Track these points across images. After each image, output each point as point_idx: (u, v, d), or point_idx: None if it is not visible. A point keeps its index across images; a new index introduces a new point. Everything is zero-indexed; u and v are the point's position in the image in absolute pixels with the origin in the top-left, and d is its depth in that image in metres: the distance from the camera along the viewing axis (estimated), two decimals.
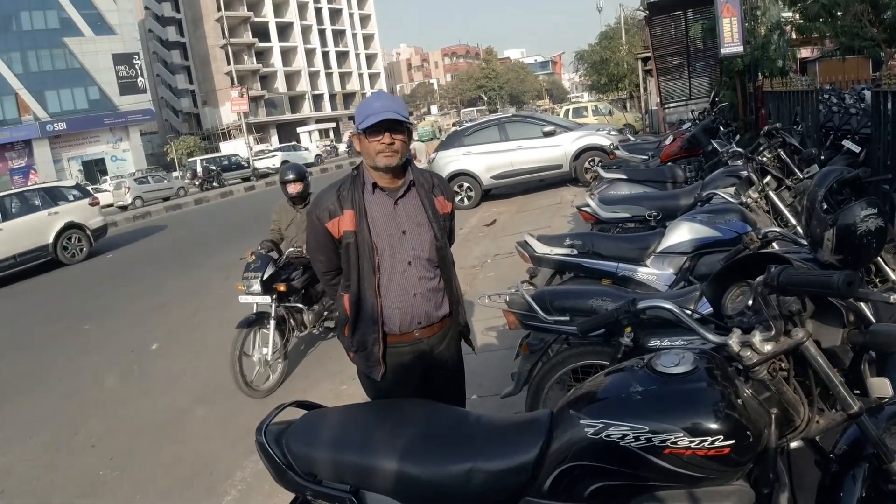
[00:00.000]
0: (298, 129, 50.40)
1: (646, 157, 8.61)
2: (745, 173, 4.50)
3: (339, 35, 67.72)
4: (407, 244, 2.24)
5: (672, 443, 1.39)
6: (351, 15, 69.64)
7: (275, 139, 52.35)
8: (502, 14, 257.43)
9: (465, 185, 12.57)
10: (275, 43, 59.14)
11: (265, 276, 4.73)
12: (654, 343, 2.61)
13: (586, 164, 12.42)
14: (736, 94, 10.79)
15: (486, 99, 72.64)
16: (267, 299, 4.78)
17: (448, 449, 1.68)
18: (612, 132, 13.03)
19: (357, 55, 69.82)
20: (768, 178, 3.95)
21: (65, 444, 4.53)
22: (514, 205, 12.17)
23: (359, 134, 2.22)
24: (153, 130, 54.75)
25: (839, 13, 9.87)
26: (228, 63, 52.36)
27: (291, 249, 5.05)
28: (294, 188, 5.23)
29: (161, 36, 59.41)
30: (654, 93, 19.62)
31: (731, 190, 4.13)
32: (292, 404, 2.01)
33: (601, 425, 1.45)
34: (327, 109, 63.27)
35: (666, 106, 15.89)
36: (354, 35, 69.77)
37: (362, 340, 2.28)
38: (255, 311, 4.83)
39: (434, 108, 73.03)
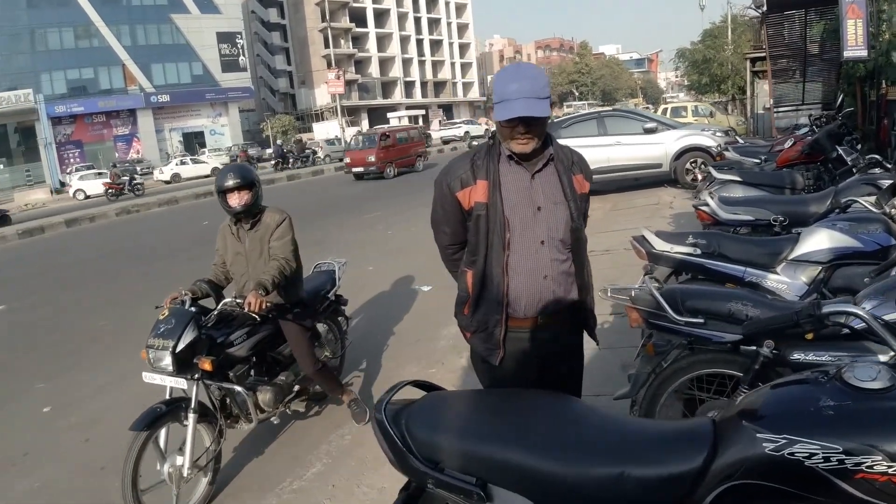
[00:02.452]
0: (389, 115, 51.08)
1: (758, 161, 8.20)
2: (885, 182, 4.20)
3: (433, 23, 68.16)
4: (541, 222, 2.12)
5: (867, 466, 1.26)
6: (447, 4, 69.90)
7: (365, 123, 53.43)
8: (599, 9, 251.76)
9: None
10: (371, 28, 60.25)
11: (179, 347, 3.12)
12: (797, 357, 2.45)
13: (687, 165, 11.96)
14: (856, 102, 10.11)
15: (577, 94, 71.24)
16: (182, 382, 3.20)
17: (594, 450, 1.56)
18: (718, 133, 12.46)
19: (451, 44, 70.09)
20: None
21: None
22: (607, 202, 11.87)
23: (492, 109, 2.12)
24: (251, 108, 57.12)
25: None
26: (326, 46, 53.88)
27: (228, 300, 3.41)
28: (238, 199, 3.48)
29: (263, 17, 61.66)
30: (762, 96, 18.64)
31: (872, 199, 3.87)
32: (410, 383, 1.96)
33: (784, 441, 1.32)
34: (418, 96, 63.98)
35: (776, 110, 15.05)
36: (449, 24, 70.03)
37: (484, 321, 2.19)
38: (168, 394, 3.23)
39: None
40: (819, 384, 1.44)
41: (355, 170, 22.58)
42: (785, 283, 3.46)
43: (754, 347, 2.44)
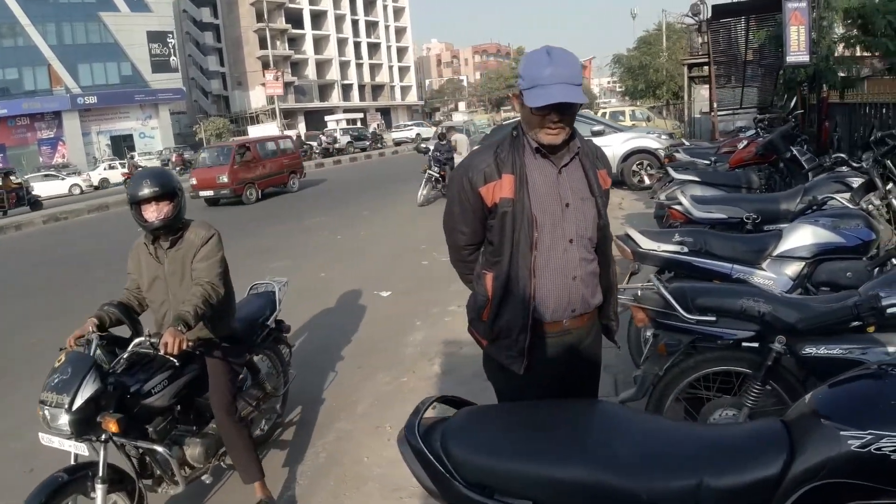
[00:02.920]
0: (326, 118, 50.34)
1: (708, 162, 8.39)
2: (854, 180, 4.30)
3: (371, 26, 67.68)
4: (570, 219, 1.99)
5: None
6: (385, 7, 69.58)
7: (302, 125, 52.40)
8: (534, 15, 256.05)
9: None
10: (308, 30, 59.23)
11: (76, 403, 2.47)
12: (808, 351, 2.46)
13: (634, 167, 12.18)
14: (794, 106, 10.53)
15: None
16: (83, 447, 2.56)
17: (667, 461, 1.45)
18: (662, 136, 12.76)
19: (388, 47, 69.77)
20: (890, 184, 3.72)
21: None
22: None
23: (521, 96, 1.91)
24: (182, 110, 55.05)
25: None
26: (261, 47, 52.49)
27: (141, 340, 2.73)
28: (155, 211, 2.90)
29: (195, 17, 59.61)
30: (698, 100, 19.29)
31: (846, 196, 3.95)
32: (437, 400, 1.77)
33: (870, 437, 1.28)
34: (356, 100, 63.28)
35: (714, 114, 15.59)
36: (387, 27, 69.73)
37: (507, 327, 2.01)
38: (73, 460, 2.60)
39: (462, 105, 72.80)
40: (888, 377, 1.44)
41: (203, 193, 16.68)
42: (771, 278, 3.47)
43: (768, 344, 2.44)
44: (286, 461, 3.55)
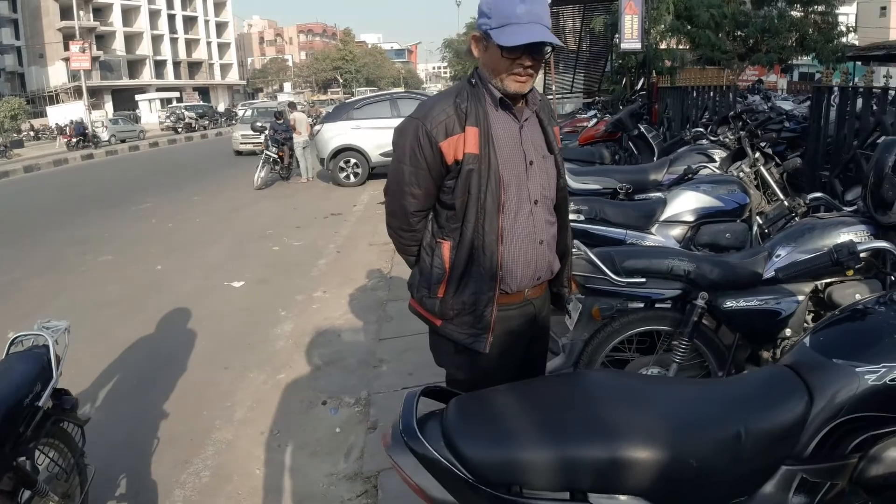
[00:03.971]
0: (137, 97, 45.61)
1: None
2: (715, 152, 4.59)
3: None
4: (534, 178, 1.79)
5: None
6: None
7: (109, 105, 46.88)
8: None
9: (353, 161, 12.05)
10: (116, 0, 52.87)
11: None
12: (729, 305, 2.56)
13: None
14: (626, 90, 11.32)
15: (341, 81, 71.01)
16: None
17: (701, 420, 1.36)
18: None
19: (206, 22, 64.47)
20: (757, 153, 3.99)
21: None
22: None
23: (485, 38, 1.70)
24: None
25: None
26: (62, 18, 45.95)
27: None
28: None
29: None
30: (541, 84, 20.18)
31: (715, 165, 4.21)
32: (422, 394, 1.48)
33: (883, 369, 1.33)
34: (170, 77, 57.81)
35: (549, 97, 16.37)
36: (205, 0, 64.56)
37: (471, 301, 1.77)
38: None
39: (287, 86, 69.96)
40: (880, 312, 1.51)
41: None
42: (660, 242, 3.59)
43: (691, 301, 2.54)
44: (162, 487, 2.92)
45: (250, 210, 10.30)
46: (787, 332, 2.57)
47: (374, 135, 11.88)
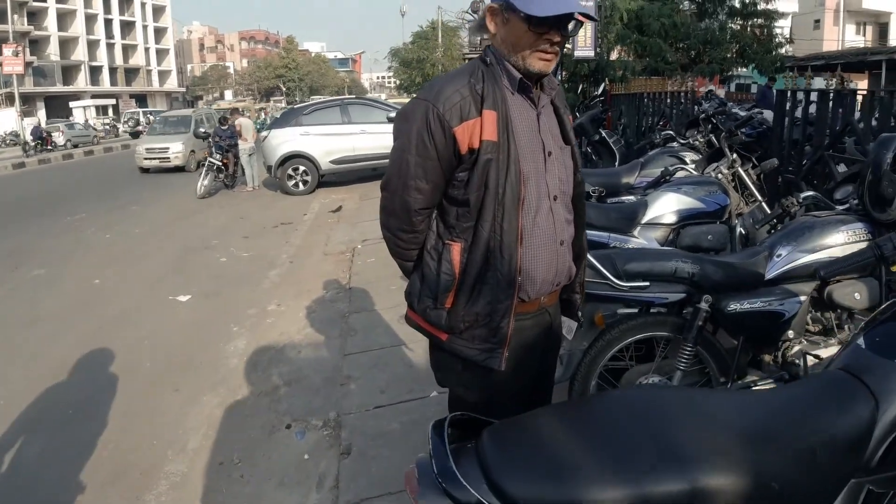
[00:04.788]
0: (72, 104, 43.42)
1: None
2: (686, 154, 4.53)
3: (125, 2, 59.82)
4: (553, 172, 1.59)
5: None
6: None
7: (42, 113, 44.46)
8: (305, 5, 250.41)
9: (301, 168, 11.62)
10: (51, 3, 50.21)
11: None
12: (733, 307, 2.44)
13: None
14: (579, 97, 11.36)
15: (284, 89, 69.87)
16: None
17: (775, 438, 1.21)
18: None
19: (145, 27, 62.11)
20: (734, 155, 3.93)
21: None
22: (354, 192, 11.55)
23: (505, 9, 1.49)
24: None
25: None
26: None
27: None
28: None
29: None
30: None
31: (691, 167, 4.15)
32: (447, 423, 1.22)
33: None
34: (106, 84, 55.26)
35: None
36: (143, 5, 61.92)
37: (486, 312, 1.54)
38: None
39: (228, 94, 68.26)
40: None
41: None
42: (643, 245, 3.46)
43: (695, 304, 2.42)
44: None
45: (194, 220, 9.79)
46: (790, 333, 2.49)
47: (324, 141, 11.56)
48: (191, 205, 11.15)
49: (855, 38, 31.10)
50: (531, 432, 1.19)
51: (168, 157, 15.94)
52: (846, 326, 2.53)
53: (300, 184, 11.63)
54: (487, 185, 1.49)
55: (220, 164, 12.35)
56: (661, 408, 1.25)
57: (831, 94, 4.68)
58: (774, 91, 14.23)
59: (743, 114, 6.09)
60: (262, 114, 36.68)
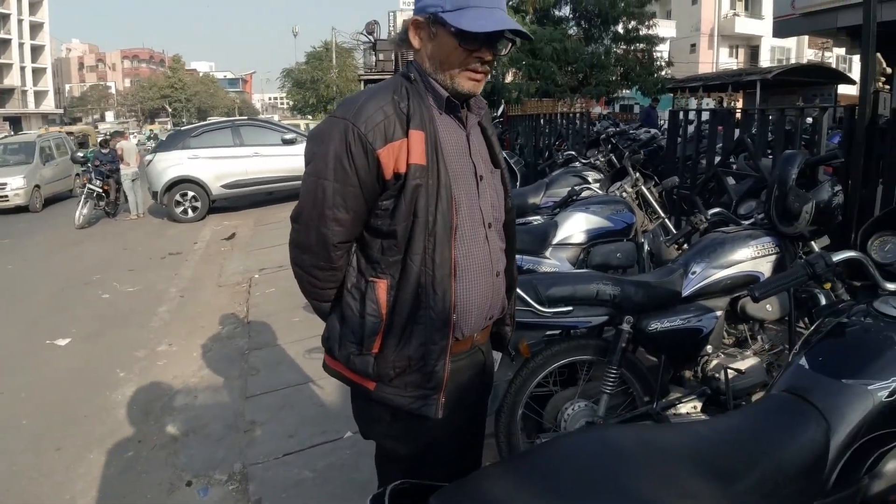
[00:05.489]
0: None
1: None
2: (588, 174, 4.61)
3: (0, 19, 54.99)
4: (486, 197, 1.46)
5: None
6: None
7: None
8: (192, 23, 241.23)
9: (190, 193, 10.96)
10: None
11: None
12: (654, 326, 2.43)
13: None
14: (503, 112, 11.59)
15: (170, 110, 66.79)
16: None
17: (733, 470, 1.16)
18: None
19: (21, 45, 57.41)
20: (637, 174, 4.02)
21: None
22: (248, 217, 11.03)
23: (432, 23, 1.36)
24: None
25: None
26: None
27: None
28: None
29: None
30: None
31: (596, 185, 4.22)
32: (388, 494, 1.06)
33: (894, 384, 1.29)
34: None
35: None
36: (21, 21, 57.23)
37: (419, 355, 1.38)
38: None
39: (109, 115, 64.23)
40: (870, 324, 1.46)
41: None
42: (556, 266, 3.50)
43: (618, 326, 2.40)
44: None
45: (72, 252, 8.95)
46: (709, 348, 2.51)
47: (215, 165, 11.01)
48: (69, 236, 10.21)
49: (728, 61, 34.00)
50: (485, 495, 1.04)
51: (6, 195, 12.73)
52: (759, 337, 2.61)
53: (189, 210, 10.97)
54: (416, 213, 1.33)
55: (101, 190, 11.45)
56: (615, 451, 1.14)
57: (726, 113, 4.94)
58: (658, 111, 15.24)
59: (644, 135, 6.33)
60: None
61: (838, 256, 1.58)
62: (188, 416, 3.65)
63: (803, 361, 1.41)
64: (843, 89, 19.25)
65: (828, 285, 1.78)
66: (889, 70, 3.41)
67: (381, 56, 17.33)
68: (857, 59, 22.94)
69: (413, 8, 1.42)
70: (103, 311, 5.96)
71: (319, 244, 1.38)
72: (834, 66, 24.01)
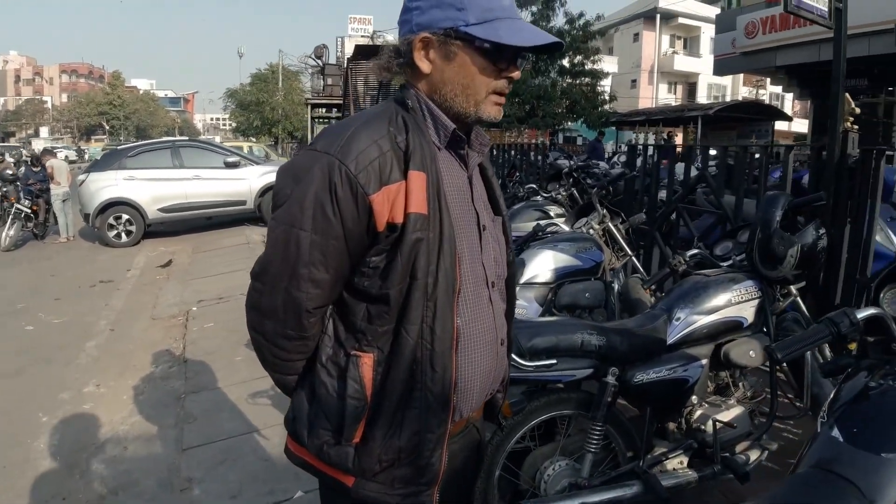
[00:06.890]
0: None
1: None
2: (551, 208, 4.51)
3: None
4: (488, 251, 1.25)
5: None
6: None
7: None
8: (133, 39, 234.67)
9: (125, 217, 10.39)
10: None
11: None
12: (640, 378, 2.28)
13: None
14: None
15: (108, 127, 64.59)
16: None
17: None
18: None
19: None
20: (604, 210, 3.92)
21: None
22: (186, 243, 10.50)
23: (449, 39, 1.12)
24: None
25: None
26: None
27: None
28: None
29: None
30: None
31: (561, 220, 4.12)
32: None
33: None
34: None
35: None
36: None
37: (415, 445, 1.15)
38: None
39: (45, 130, 61.57)
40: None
41: None
42: (524, 306, 3.33)
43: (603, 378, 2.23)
44: None
45: None
46: (693, 398, 2.37)
47: (152, 187, 10.50)
48: None
49: (667, 96, 35.35)
50: None
51: None
52: (740, 384, 2.50)
53: (123, 234, 10.38)
54: (415, 274, 1.09)
55: (29, 210, 10.74)
56: None
57: (687, 149, 4.97)
58: (602, 144, 15.57)
59: (615, 171, 6.34)
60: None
61: (862, 314, 1.45)
62: (117, 470, 3.26)
63: (836, 433, 1.28)
64: (779, 125, 20.20)
65: (853, 345, 1.65)
66: (858, 110, 3.45)
67: (329, 80, 17.26)
68: (789, 96, 24.31)
69: (401, 27, 1.18)
70: (26, 346, 5.44)
71: (289, 310, 1.12)
72: (768, 102, 25.25)
